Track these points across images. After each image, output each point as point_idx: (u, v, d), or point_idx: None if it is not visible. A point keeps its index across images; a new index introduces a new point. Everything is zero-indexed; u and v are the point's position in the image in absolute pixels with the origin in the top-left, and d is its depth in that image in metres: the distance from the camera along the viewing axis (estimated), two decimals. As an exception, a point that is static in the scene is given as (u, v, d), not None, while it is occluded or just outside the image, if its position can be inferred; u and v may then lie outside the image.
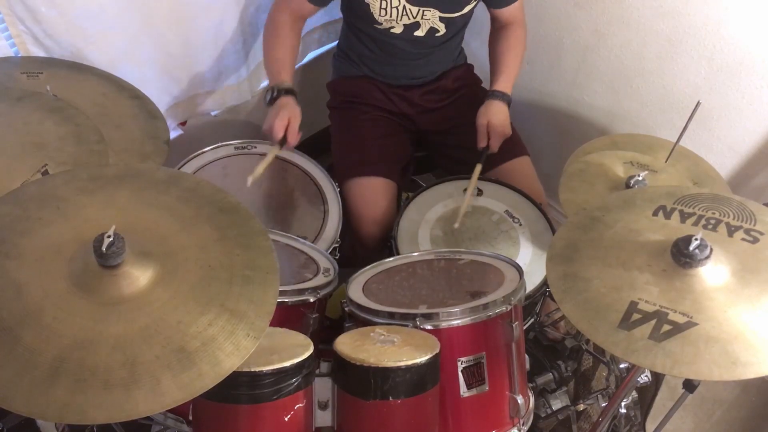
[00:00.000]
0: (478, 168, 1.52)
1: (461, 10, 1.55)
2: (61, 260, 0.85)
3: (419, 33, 1.57)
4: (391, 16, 1.52)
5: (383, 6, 1.50)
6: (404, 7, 1.50)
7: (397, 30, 1.57)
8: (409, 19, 1.53)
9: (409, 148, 1.76)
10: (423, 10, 1.52)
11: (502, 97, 1.59)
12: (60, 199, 0.92)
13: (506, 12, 1.64)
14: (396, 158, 1.70)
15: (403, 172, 1.72)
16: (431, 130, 1.77)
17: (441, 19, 1.54)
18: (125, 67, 1.47)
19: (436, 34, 1.58)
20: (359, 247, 1.65)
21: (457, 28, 1.63)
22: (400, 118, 1.75)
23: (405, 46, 1.61)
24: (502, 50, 1.64)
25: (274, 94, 1.48)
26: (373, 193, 1.60)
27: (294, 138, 1.44)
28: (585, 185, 1.33)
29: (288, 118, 1.43)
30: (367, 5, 1.50)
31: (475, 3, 1.56)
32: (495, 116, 1.55)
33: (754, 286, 0.92)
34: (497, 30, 1.68)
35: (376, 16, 1.53)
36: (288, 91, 1.48)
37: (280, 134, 1.42)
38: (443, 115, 1.75)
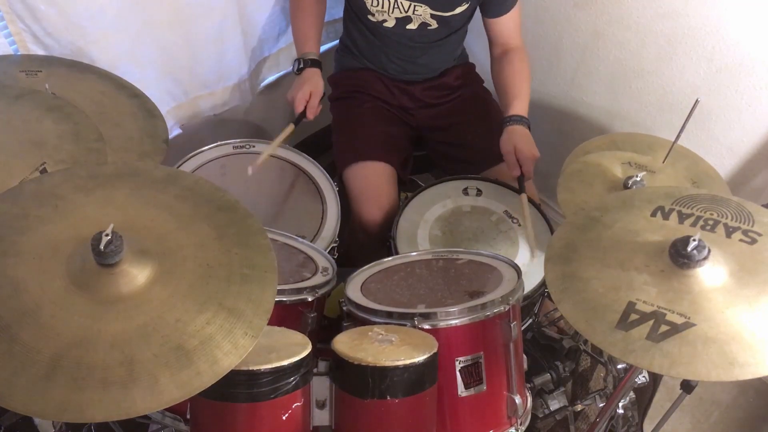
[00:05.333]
0: (524, 197, 1.46)
1: (452, 11, 1.55)
2: (59, 258, 0.84)
3: (411, 26, 1.57)
4: (382, 8, 1.53)
5: None
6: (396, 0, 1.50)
7: (390, 24, 1.57)
8: (400, 12, 1.54)
9: (408, 142, 1.75)
10: (414, 5, 1.52)
11: (521, 121, 1.54)
12: (58, 197, 0.92)
13: (503, 26, 1.61)
14: (396, 147, 1.69)
15: (403, 166, 1.71)
16: (429, 127, 1.77)
17: (432, 16, 1.55)
18: (126, 68, 1.47)
19: (428, 28, 1.58)
20: (361, 233, 1.63)
21: (452, 28, 1.63)
22: (400, 111, 1.75)
23: (400, 40, 1.62)
24: (510, 76, 1.61)
25: (300, 65, 1.58)
26: (375, 176, 1.60)
27: (312, 113, 1.56)
28: (583, 185, 1.34)
29: (310, 92, 1.54)
30: None
31: (466, 5, 1.55)
32: (520, 141, 1.49)
33: (752, 287, 0.92)
34: (499, 57, 1.65)
35: (368, 6, 1.54)
36: (313, 62, 1.59)
37: (300, 108, 1.54)
38: (442, 112, 1.75)
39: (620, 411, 1.38)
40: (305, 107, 1.53)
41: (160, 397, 0.75)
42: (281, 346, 0.93)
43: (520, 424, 1.11)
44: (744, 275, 0.94)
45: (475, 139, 1.68)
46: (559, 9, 1.84)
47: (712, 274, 0.93)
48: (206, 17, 1.61)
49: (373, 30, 1.62)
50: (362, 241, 1.65)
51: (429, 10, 1.54)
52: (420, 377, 0.94)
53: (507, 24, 1.61)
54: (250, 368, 0.86)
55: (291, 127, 1.51)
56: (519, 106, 1.57)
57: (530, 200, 1.52)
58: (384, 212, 1.58)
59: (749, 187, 1.70)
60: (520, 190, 1.48)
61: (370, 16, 1.57)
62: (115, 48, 1.46)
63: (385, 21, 1.57)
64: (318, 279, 1.22)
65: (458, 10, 1.55)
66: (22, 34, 1.33)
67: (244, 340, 0.82)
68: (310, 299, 1.16)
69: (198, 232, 0.92)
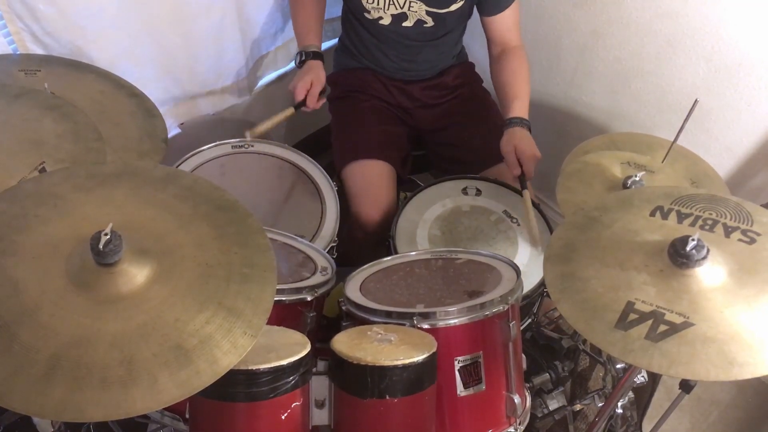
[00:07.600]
0: (527, 194, 1.44)
1: (447, 7, 1.55)
2: (59, 258, 0.84)
3: (407, 23, 1.57)
4: (378, 5, 1.54)
5: None
6: None
7: (386, 21, 1.58)
8: (396, 9, 1.54)
9: (407, 141, 1.75)
10: (409, 2, 1.52)
11: (521, 123, 1.52)
12: (57, 196, 0.92)
13: (501, 24, 1.60)
14: (395, 146, 1.69)
15: (403, 165, 1.70)
16: (428, 128, 1.77)
17: (428, 12, 1.55)
18: (125, 67, 1.47)
19: (425, 26, 1.58)
20: (359, 232, 1.62)
21: (448, 27, 1.62)
22: (398, 110, 1.75)
23: (397, 38, 1.62)
24: (509, 76, 1.59)
25: (302, 58, 1.59)
26: (374, 175, 1.60)
27: (313, 102, 1.55)
28: (583, 185, 1.34)
29: (311, 81, 1.54)
30: None
31: (462, 2, 1.55)
32: (520, 141, 1.47)
33: (751, 286, 0.92)
34: (498, 57, 1.64)
35: (364, 3, 1.54)
36: (315, 54, 1.59)
37: (300, 97, 1.53)
38: (441, 112, 1.75)
39: (619, 411, 1.38)
40: (306, 96, 1.54)
41: (160, 397, 0.75)
42: (280, 346, 0.93)
43: (519, 424, 1.11)
44: (743, 275, 0.94)
45: (474, 139, 1.68)
46: (558, 8, 1.84)
47: (711, 274, 0.93)
48: (205, 16, 1.61)
49: (370, 28, 1.62)
50: (360, 240, 1.64)
51: (424, 7, 1.53)
52: (419, 377, 0.94)
53: (504, 22, 1.60)
54: (249, 368, 0.86)
55: (291, 110, 1.52)
56: (518, 108, 1.54)
57: (532, 201, 1.52)
58: (382, 211, 1.58)
59: (748, 187, 1.70)
60: (522, 187, 1.46)
61: (366, 14, 1.58)
62: (114, 47, 1.46)
63: (381, 18, 1.57)
64: (317, 278, 1.22)
65: (453, 6, 1.55)
66: (22, 34, 1.33)
67: (244, 340, 0.81)
68: (309, 299, 1.16)
69: (197, 231, 0.92)
